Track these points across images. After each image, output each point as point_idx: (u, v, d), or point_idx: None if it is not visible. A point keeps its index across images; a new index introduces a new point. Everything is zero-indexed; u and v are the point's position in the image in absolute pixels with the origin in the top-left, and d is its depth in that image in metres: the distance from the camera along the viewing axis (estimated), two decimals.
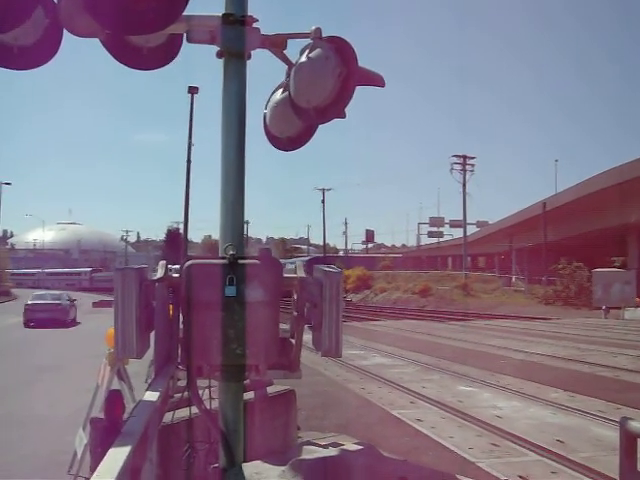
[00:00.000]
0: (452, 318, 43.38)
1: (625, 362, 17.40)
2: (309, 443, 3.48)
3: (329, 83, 3.53)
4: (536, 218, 63.81)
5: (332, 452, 3.04)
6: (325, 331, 3.23)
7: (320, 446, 3.25)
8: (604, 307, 44.19)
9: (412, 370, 16.38)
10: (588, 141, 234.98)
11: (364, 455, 3.00)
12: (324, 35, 3.56)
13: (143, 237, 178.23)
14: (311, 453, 3.04)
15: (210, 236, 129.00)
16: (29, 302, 35.90)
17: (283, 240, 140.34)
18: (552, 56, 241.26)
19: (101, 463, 1.87)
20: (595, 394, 12.15)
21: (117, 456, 1.92)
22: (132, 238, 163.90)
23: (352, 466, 2.85)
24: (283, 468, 2.86)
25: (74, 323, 36.54)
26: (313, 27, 3.56)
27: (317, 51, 3.54)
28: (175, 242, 79.58)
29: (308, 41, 3.61)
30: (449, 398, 12.02)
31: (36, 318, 34.09)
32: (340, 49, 3.53)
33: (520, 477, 7.03)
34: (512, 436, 9.01)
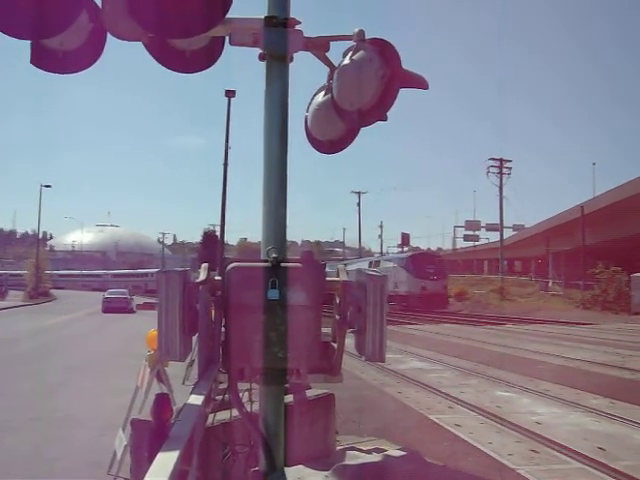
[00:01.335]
0: (489, 322, 43.00)
1: None
2: (351, 448, 3.45)
3: (373, 85, 3.51)
4: (573, 222, 63.06)
5: (375, 458, 3.01)
6: (369, 336, 3.21)
7: (362, 451, 3.22)
8: None
9: (450, 375, 16.26)
10: (624, 146, 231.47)
11: (408, 461, 2.97)
12: (367, 37, 3.54)
13: (179, 239, 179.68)
14: (354, 459, 3.02)
15: (246, 239, 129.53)
16: (106, 296, 54.54)
17: (318, 243, 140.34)
18: (588, 66, 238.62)
19: (151, 467, 1.86)
20: (637, 401, 11.92)
21: (166, 460, 1.91)
22: (169, 240, 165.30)
23: (396, 472, 2.82)
24: (326, 473, 2.84)
25: (132, 311, 47.60)
26: (356, 29, 3.54)
27: (360, 53, 3.52)
28: (211, 244, 79.87)
29: (351, 43, 3.59)
30: (487, 403, 11.90)
31: (110, 307, 50.90)
32: (383, 51, 3.50)
33: None
34: (552, 443, 8.87)
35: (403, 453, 3.13)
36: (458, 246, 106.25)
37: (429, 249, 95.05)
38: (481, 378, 15.49)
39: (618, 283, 57.43)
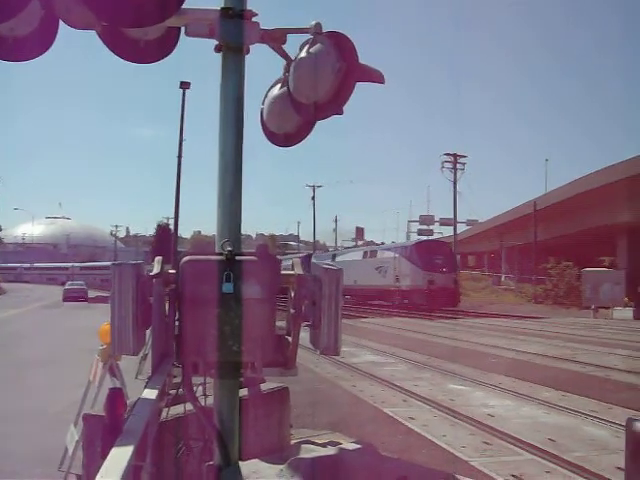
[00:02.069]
0: (441, 316, 43.39)
1: (616, 362, 17.47)
2: (306, 442, 3.45)
3: (329, 79, 3.50)
4: (526, 217, 64.02)
5: (330, 451, 3.01)
6: (324, 329, 3.21)
7: (317, 445, 3.22)
8: (593, 307, 44.52)
9: (403, 368, 16.40)
10: (579, 140, 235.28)
11: (363, 454, 2.98)
12: (324, 30, 3.53)
13: (133, 232, 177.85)
14: (309, 452, 3.02)
15: (199, 232, 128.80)
16: (66, 287, 64.76)
17: (273, 236, 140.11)
18: (544, 55, 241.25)
19: (105, 463, 1.84)
20: (587, 393, 12.18)
21: (120, 455, 1.89)
22: (121, 233, 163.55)
23: (351, 465, 2.82)
24: (281, 467, 2.84)
25: (88, 300, 58.20)
26: (313, 22, 3.53)
27: (317, 46, 3.51)
28: (165, 237, 79.36)
29: (308, 36, 3.58)
30: (441, 396, 12.03)
31: (70, 296, 59.93)
32: (340, 45, 3.50)
33: (513, 476, 7.03)
34: (505, 435, 9.01)
35: (358, 446, 3.14)
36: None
37: (383, 243, 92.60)
38: (434, 371, 15.65)
39: (569, 278, 58.55)
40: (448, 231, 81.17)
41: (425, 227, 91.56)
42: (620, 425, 9.26)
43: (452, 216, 76.67)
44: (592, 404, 11.27)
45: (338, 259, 68.73)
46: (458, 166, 74.28)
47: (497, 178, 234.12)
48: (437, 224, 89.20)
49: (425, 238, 76.90)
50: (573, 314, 45.99)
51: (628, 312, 42.29)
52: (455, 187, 73.91)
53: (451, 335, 25.67)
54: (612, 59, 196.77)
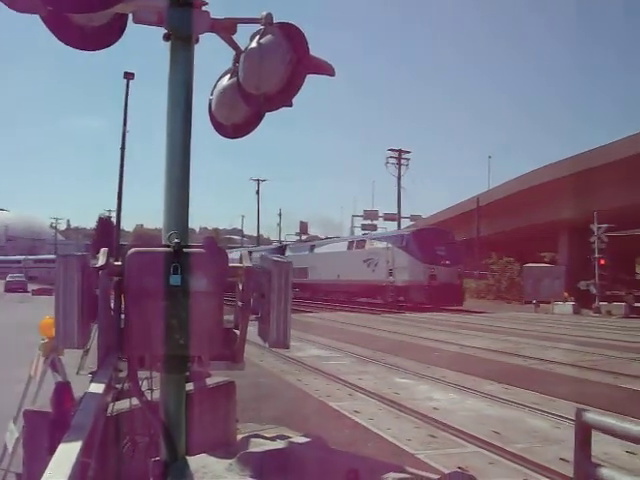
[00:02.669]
0: (386, 310, 43.60)
1: (556, 355, 17.81)
2: (255, 436, 3.42)
3: (279, 70, 3.48)
4: (470, 213, 64.72)
5: (280, 444, 2.99)
6: (273, 322, 3.20)
7: (266, 438, 3.20)
8: (534, 301, 45.35)
9: (348, 362, 16.44)
10: (522, 138, 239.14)
11: (313, 447, 2.96)
12: (275, 21, 3.50)
13: (74, 225, 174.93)
14: (258, 446, 2.99)
15: (142, 225, 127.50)
16: (8, 279, 71.07)
17: (217, 230, 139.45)
18: (492, 47, 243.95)
19: (52, 459, 1.78)
20: (529, 386, 12.39)
21: (68, 451, 1.84)
22: (62, 226, 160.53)
23: (302, 458, 2.81)
24: (230, 461, 2.81)
25: (28, 291, 62.25)
26: (264, 13, 3.49)
27: (268, 37, 3.48)
28: (106, 230, 78.36)
29: (258, 27, 3.54)
30: (386, 390, 12.10)
31: (11, 287, 65.88)
32: (291, 36, 3.47)
33: (459, 468, 7.10)
34: (449, 428, 9.10)
35: (307, 440, 3.13)
36: (356, 235, 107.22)
37: (327, 238, 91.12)
38: (379, 365, 15.74)
39: (511, 273, 59.53)
40: (392, 226, 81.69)
41: (369, 222, 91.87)
42: (561, 417, 9.45)
43: (396, 211, 77.33)
44: (534, 397, 11.46)
45: (318, 250, 64.25)
46: (402, 162, 75.01)
47: (442, 174, 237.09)
48: (381, 219, 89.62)
49: (425, 227, 61.57)
50: (515, 309, 46.73)
51: (568, 307, 43.21)
52: (399, 183, 74.61)
53: (395, 329, 25.86)
54: (563, 55, 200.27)
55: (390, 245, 50.88)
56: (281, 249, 70.31)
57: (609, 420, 4.10)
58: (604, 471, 4.08)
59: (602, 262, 45.29)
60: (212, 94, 4.12)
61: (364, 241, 58.54)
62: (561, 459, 7.34)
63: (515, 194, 57.33)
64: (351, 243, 59.89)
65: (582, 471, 4.10)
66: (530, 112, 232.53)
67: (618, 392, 12.21)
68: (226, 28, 3.61)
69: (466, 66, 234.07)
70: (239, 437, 4.12)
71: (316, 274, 60.61)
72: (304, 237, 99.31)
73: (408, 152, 75.61)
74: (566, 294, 46.80)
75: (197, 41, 3.49)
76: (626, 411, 8.71)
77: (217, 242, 3.68)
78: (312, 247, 67.37)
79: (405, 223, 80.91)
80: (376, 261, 52.22)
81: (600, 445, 4.45)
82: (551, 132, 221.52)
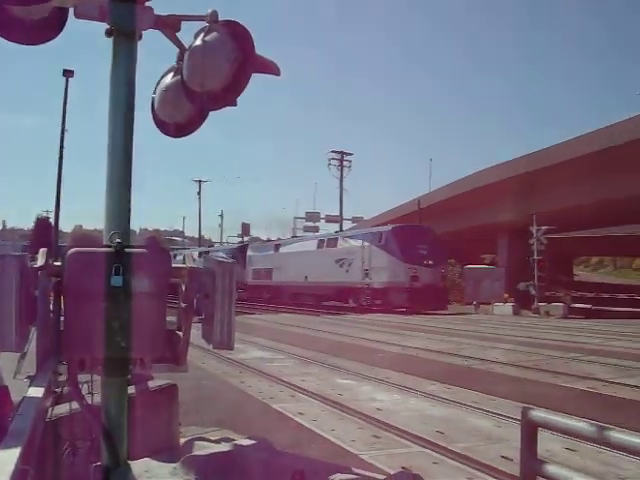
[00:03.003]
0: (327, 312, 43.61)
1: (497, 355, 18.11)
2: (199, 439, 3.38)
3: (224, 68, 3.43)
4: (411, 215, 65.32)
5: (225, 447, 2.96)
6: (217, 323, 3.17)
7: (210, 441, 3.16)
8: (475, 302, 46.08)
9: (291, 363, 16.45)
10: (462, 141, 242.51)
11: (258, 449, 2.94)
12: (221, 19, 3.45)
13: (9, 225, 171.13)
14: (202, 449, 2.95)
15: (81, 226, 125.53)
16: None
17: (157, 231, 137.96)
18: (438, 47, 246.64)
19: None
20: (471, 386, 12.57)
21: (6, 458, 1.77)
22: None
23: (247, 461, 2.78)
24: (174, 465, 2.76)
25: None
26: (209, 10, 3.45)
27: (213, 35, 3.43)
28: (44, 231, 76.85)
29: (203, 24, 3.49)
30: (329, 391, 12.13)
31: None
32: (237, 34, 3.43)
33: (403, 468, 7.13)
34: (393, 428, 9.17)
35: (252, 442, 3.10)
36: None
37: (269, 239, 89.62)
38: (322, 367, 15.77)
39: (451, 275, 60.31)
40: (334, 228, 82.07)
41: (311, 224, 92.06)
42: (503, 416, 9.61)
43: (338, 213, 77.71)
44: (476, 396, 11.63)
45: (283, 250, 60.64)
46: (345, 163, 75.48)
47: (385, 176, 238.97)
48: (323, 221, 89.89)
49: (405, 223, 54.32)
50: (456, 310, 47.33)
51: (508, 308, 44.02)
52: (341, 184, 75.06)
53: (337, 331, 25.96)
54: (507, 54, 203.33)
55: (366, 243, 47.19)
56: (242, 249, 67.87)
57: (554, 418, 4.18)
58: (550, 468, 4.16)
59: (541, 264, 46.17)
60: (155, 92, 4.05)
61: (336, 239, 54.67)
62: (503, 457, 7.45)
63: (456, 196, 58.17)
64: (321, 241, 55.97)
65: (528, 468, 4.18)
66: (475, 114, 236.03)
67: (558, 391, 12.46)
68: (170, 25, 3.55)
69: (409, 67, 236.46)
70: (182, 440, 4.05)
71: (281, 275, 58.16)
72: (246, 238, 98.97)
73: (350, 154, 76.28)
74: (506, 295, 47.67)
75: (140, 37, 3.42)
76: (565, 409, 8.88)
77: (160, 242, 3.62)
78: (277, 246, 63.67)
79: (347, 225, 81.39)
80: (350, 261, 48.99)
81: (541, 443, 4.52)
82: (495, 134, 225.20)
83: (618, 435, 3.92)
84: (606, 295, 62.58)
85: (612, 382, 13.33)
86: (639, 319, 37.33)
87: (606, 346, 20.69)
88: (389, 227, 49.03)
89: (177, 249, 77.12)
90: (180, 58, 3.69)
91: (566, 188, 46.09)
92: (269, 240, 73.17)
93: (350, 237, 53.06)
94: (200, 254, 55.96)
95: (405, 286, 43.03)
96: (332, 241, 54.36)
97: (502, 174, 50.89)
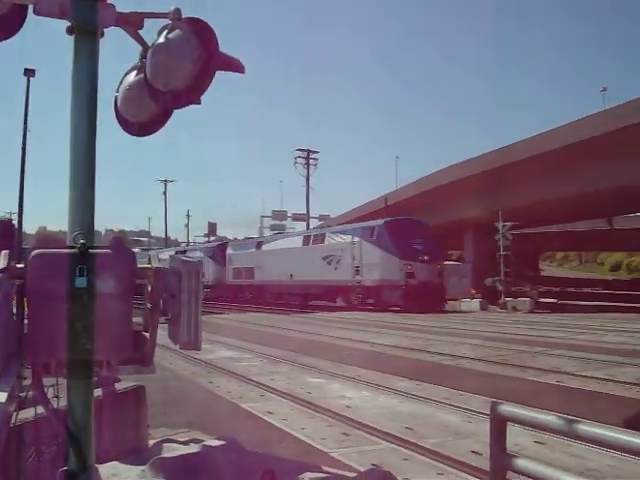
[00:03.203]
0: (296, 311, 43.54)
1: (465, 350, 18.19)
2: (167, 441, 3.35)
3: (188, 66, 3.40)
4: (378, 212, 65.44)
5: (194, 448, 2.93)
6: (184, 323, 3.14)
7: (179, 443, 3.14)
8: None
9: (259, 363, 16.37)
10: (431, 139, 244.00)
11: (227, 450, 2.92)
12: (184, 16, 3.42)
13: None
14: (171, 450, 2.93)
15: (45, 227, 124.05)
16: None
17: (123, 232, 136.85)
18: (406, 44, 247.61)
19: None
20: (440, 382, 12.61)
21: None
22: None
23: (217, 461, 2.76)
24: (143, 467, 2.73)
25: None
26: (172, 7, 3.41)
27: (176, 32, 3.40)
28: (7, 233, 75.71)
29: (166, 22, 3.46)
30: (298, 390, 12.09)
31: None
32: (200, 32, 3.40)
33: (373, 465, 7.13)
34: (362, 425, 9.16)
35: (221, 442, 3.08)
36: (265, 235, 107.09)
37: (236, 239, 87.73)
38: (291, 365, 15.72)
39: None
40: (301, 226, 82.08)
41: (278, 222, 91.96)
42: (471, 411, 9.67)
43: (305, 211, 77.78)
44: (445, 392, 11.67)
45: (266, 247, 57.98)
46: (311, 162, 75.58)
47: (351, 174, 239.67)
48: (290, 219, 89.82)
49: (398, 216, 47.86)
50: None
51: (475, 303, 44.29)
52: (308, 182, 75.11)
53: (306, 329, 25.94)
54: (476, 48, 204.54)
55: (357, 239, 44.36)
56: (222, 247, 65.70)
57: (523, 412, 4.21)
58: (519, 461, 4.19)
59: (507, 259, 46.56)
60: (118, 90, 4.01)
61: (323, 235, 51.19)
62: (473, 452, 7.49)
63: (422, 193, 58.43)
64: (307, 238, 52.89)
65: (498, 463, 4.20)
66: (442, 111, 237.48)
67: (526, 385, 12.56)
68: (132, 22, 3.51)
69: (375, 66, 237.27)
70: (151, 442, 4.02)
71: (265, 274, 55.84)
72: (212, 238, 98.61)
73: (316, 152, 76.43)
74: (473, 291, 47.94)
75: (102, 35, 3.38)
76: (533, 403, 8.95)
77: (125, 242, 3.59)
78: (259, 244, 60.45)
79: (314, 223, 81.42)
80: (339, 258, 46.20)
81: (510, 437, 4.56)
82: (464, 132, 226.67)
83: (586, 427, 3.96)
84: (572, 289, 63.49)
85: (579, 375, 13.47)
86: (604, 312, 37.91)
87: (572, 340, 20.92)
88: (381, 221, 45.29)
89: (148, 249, 76.31)
90: (143, 56, 3.65)
91: (531, 184, 46.52)
92: (249, 237, 71.07)
93: (339, 232, 49.73)
94: (176, 253, 54.59)
95: (400, 283, 40.26)
96: (319, 237, 51.43)
97: (465, 172, 51.19)
